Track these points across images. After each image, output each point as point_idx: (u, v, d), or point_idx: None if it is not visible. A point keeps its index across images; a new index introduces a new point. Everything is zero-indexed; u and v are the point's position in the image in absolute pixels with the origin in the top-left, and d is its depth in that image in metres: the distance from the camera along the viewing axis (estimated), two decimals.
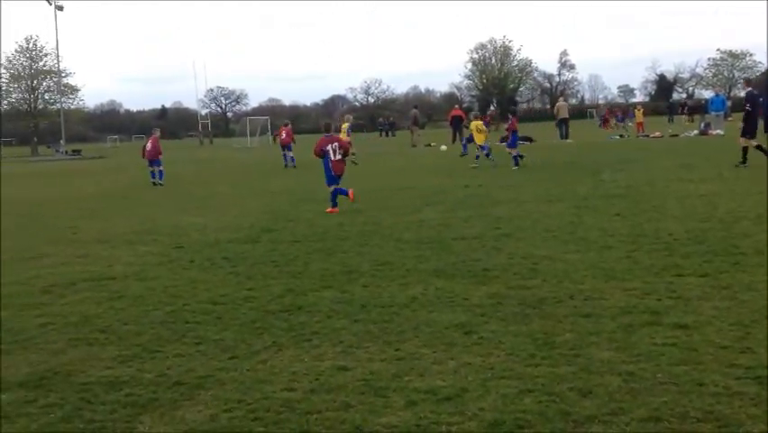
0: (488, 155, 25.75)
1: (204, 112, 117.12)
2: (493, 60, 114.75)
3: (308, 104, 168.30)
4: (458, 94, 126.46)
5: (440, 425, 4.82)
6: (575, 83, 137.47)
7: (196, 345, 6.86)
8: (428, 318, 7.28)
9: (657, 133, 43.85)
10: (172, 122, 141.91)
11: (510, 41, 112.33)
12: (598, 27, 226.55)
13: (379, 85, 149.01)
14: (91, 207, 19.27)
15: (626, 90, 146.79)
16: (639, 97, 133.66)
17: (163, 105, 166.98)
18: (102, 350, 6.83)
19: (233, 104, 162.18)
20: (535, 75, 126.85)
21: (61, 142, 72.00)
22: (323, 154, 16.46)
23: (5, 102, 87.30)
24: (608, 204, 14.40)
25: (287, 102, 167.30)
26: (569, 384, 5.39)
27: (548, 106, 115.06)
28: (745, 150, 20.55)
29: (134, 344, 6.96)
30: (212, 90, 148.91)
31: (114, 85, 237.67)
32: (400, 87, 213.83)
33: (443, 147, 39.42)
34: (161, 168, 27.18)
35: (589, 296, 7.81)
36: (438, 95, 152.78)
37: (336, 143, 16.66)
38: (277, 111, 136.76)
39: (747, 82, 25.74)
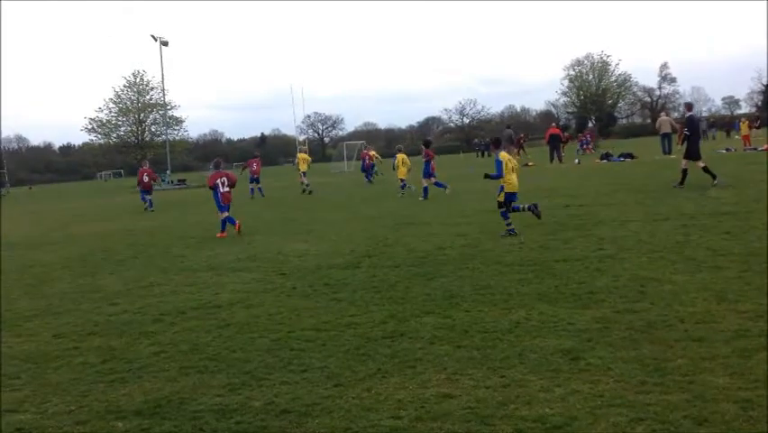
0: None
1: (302, 138, 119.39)
2: (590, 77, 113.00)
3: (403, 126, 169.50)
4: (554, 111, 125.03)
5: None
6: (676, 96, 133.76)
7: (301, 372, 6.97)
8: (533, 344, 7.18)
9: (766, 146, 42.10)
10: (271, 148, 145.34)
11: (608, 57, 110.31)
12: (700, 37, 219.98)
13: (474, 105, 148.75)
14: (197, 235, 19.86)
15: (731, 102, 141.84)
16: (745, 108, 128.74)
17: (262, 133, 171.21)
18: (212, 378, 7.02)
19: (330, 129, 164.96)
20: (635, 90, 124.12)
21: (167, 172, 74.63)
22: (214, 187, 19.81)
23: (114, 135, 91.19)
24: (717, 222, 13.89)
25: (382, 126, 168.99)
26: (683, 412, 5.22)
27: (648, 121, 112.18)
28: None
29: (243, 371, 7.12)
30: (309, 116, 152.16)
31: (215, 114, 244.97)
32: (495, 107, 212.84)
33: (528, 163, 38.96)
34: (260, 186, 35.89)
35: (701, 319, 7.55)
36: (534, 113, 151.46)
37: (225, 177, 19.92)
38: (372, 135, 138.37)
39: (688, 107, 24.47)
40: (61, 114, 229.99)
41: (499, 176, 15.33)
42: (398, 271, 11.84)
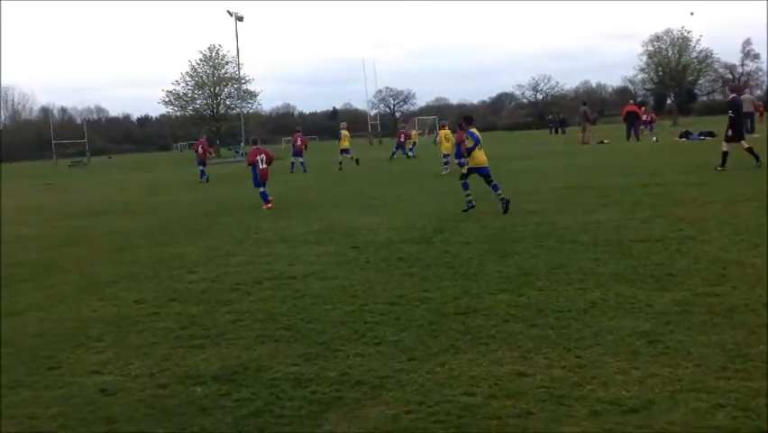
0: None
1: (373, 112, 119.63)
2: (670, 52, 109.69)
3: (475, 102, 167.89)
4: (632, 88, 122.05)
5: None
6: (759, 73, 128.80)
7: (375, 345, 7.03)
8: (609, 325, 7.08)
9: None
10: (343, 121, 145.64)
11: (689, 32, 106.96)
12: None
13: (548, 81, 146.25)
14: (273, 207, 20.12)
15: None
16: None
17: (334, 107, 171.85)
18: (288, 347, 7.13)
19: (401, 104, 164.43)
20: (716, 66, 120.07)
21: (241, 144, 75.64)
22: (253, 163, 20.74)
23: (190, 108, 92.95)
24: None
25: (454, 101, 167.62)
26: (765, 400, 5.09)
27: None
28: None
29: (317, 342, 7.22)
30: (380, 91, 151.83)
31: (288, 87, 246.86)
32: (570, 83, 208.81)
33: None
34: (302, 160, 36.85)
35: None
36: (610, 89, 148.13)
37: (263, 154, 20.76)
38: (444, 110, 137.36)
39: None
40: (140, 87, 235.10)
41: (475, 146, 16.60)
42: (471, 247, 11.80)
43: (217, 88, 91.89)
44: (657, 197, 16.08)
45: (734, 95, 23.68)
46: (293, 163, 37.81)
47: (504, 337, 6.98)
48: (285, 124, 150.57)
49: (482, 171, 16.41)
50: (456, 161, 26.61)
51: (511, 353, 6.53)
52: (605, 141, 43.74)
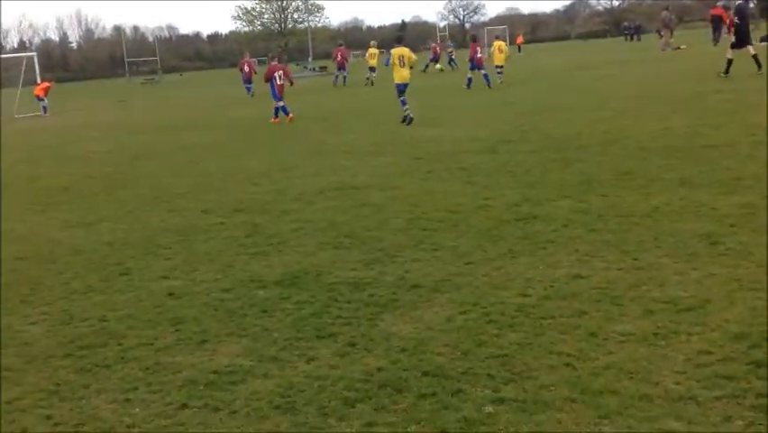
0: None
1: (442, 24, 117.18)
2: None
3: (548, 11, 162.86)
4: None
5: (679, 334, 4.68)
6: None
7: (433, 250, 7.10)
8: (671, 228, 6.99)
9: None
10: (411, 35, 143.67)
11: None
12: None
13: None
14: (335, 120, 20.19)
15: None
16: None
17: (403, 20, 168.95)
18: (347, 253, 7.27)
19: (471, 14, 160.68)
20: None
21: (309, 59, 75.52)
22: (270, 79, 21.46)
23: (258, 23, 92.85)
24: None
25: (525, 10, 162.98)
26: None
27: None
28: None
29: (376, 248, 7.33)
30: (450, 2, 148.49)
31: (355, 2, 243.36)
32: None
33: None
34: (345, 74, 37.89)
35: None
36: None
37: (281, 71, 21.66)
38: (515, 20, 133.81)
39: None
40: (209, 3, 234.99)
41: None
42: (535, 156, 11.67)
43: (284, 2, 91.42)
44: (730, 102, 15.52)
45: (740, 1, 22.66)
46: (336, 76, 38.69)
47: (562, 242, 6.96)
48: (353, 38, 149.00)
49: (401, 88, 18.39)
50: (470, 73, 28.26)
51: (568, 256, 6.52)
52: (682, 47, 42.12)
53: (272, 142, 16.59)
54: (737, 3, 22.87)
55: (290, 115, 21.00)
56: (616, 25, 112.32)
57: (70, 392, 4.68)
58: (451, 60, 46.95)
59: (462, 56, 41.25)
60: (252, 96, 34.14)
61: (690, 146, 11.10)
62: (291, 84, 22.10)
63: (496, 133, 14.60)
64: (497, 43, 30.45)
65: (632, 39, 75.17)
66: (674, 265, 5.98)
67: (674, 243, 6.56)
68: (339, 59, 38.38)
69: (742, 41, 21.41)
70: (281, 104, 21.22)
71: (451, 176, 10.73)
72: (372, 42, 40.31)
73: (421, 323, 5.33)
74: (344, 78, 38.14)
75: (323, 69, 72.21)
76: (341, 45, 40.39)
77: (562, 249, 6.74)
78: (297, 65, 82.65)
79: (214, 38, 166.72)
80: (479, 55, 28.35)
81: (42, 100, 34.06)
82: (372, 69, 37.23)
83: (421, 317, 5.44)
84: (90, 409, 4.42)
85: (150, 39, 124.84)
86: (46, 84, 35.14)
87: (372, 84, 35.62)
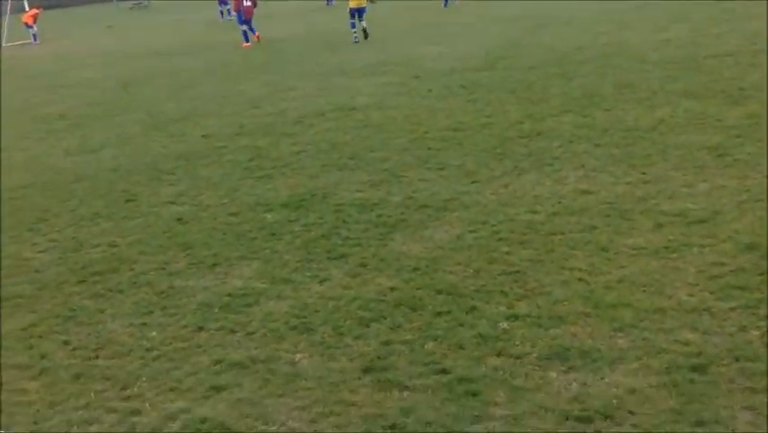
0: None
1: None
2: None
3: None
4: None
5: (690, 247, 4.70)
6: None
7: (438, 170, 7.07)
8: (677, 141, 6.96)
9: None
10: None
11: None
12: None
13: None
14: (328, 42, 19.86)
15: None
16: None
17: None
18: (352, 174, 7.24)
19: None
20: None
21: None
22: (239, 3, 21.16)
23: None
24: None
25: None
26: None
27: None
28: None
29: (381, 169, 7.30)
30: None
31: None
32: None
33: None
34: None
35: None
36: None
37: None
38: None
39: None
40: None
41: None
42: (535, 71, 11.52)
43: None
44: (730, 12, 15.24)
45: None
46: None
47: (568, 158, 6.94)
48: None
49: (359, 11, 18.92)
50: None
51: (575, 172, 6.51)
52: None
53: (267, 64, 16.34)
54: None
55: (257, 33, 21.09)
56: None
57: (86, 317, 4.72)
58: None
59: None
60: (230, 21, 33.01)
61: (692, 56, 10.96)
62: (255, 5, 21.64)
63: (494, 49, 14.37)
64: None
65: None
66: (682, 178, 5.98)
67: (681, 155, 6.54)
68: None
69: None
70: (244, 28, 21.14)
71: (451, 94, 10.61)
72: None
73: (431, 242, 5.35)
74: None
75: None
76: None
77: (569, 165, 6.72)
78: None
79: None
80: None
81: (32, 27, 33.37)
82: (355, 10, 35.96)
83: (431, 237, 5.45)
84: (107, 334, 4.47)
85: None
86: (34, 11, 34.36)
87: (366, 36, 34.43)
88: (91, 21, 51.56)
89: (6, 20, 34.57)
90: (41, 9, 36.90)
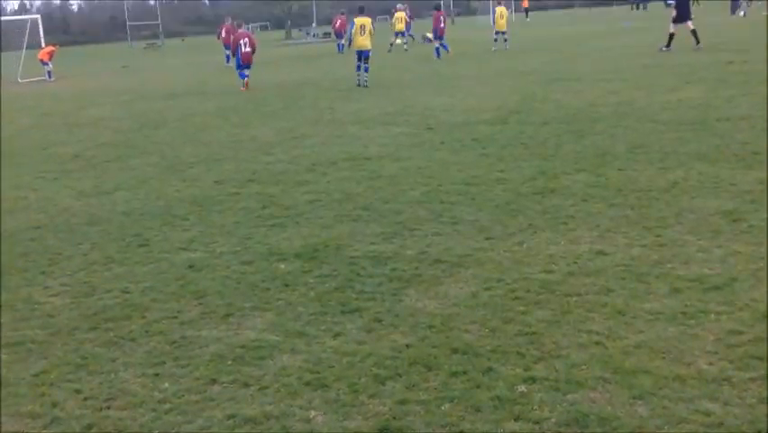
0: None
1: None
2: None
3: None
4: None
5: (708, 314, 4.68)
6: None
7: (452, 224, 7.08)
8: (691, 204, 6.97)
9: None
10: (414, 7, 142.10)
11: None
12: None
13: None
14: (343, 88, 20.06)
15: None
16: None
17: None
18: (366, 226, 7.25)
19: None
20: None
21: (312, 25, 74.80)
22: (236, 48, 21.79)
23: None
24: None
25: None
26: None
27: None
28: None
29: (395, 221, 7.31)
30: None
31: None
32: None
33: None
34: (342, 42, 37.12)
35: None
36: None
37: (246, 38, 21.73)
38: None
39: None
40: None
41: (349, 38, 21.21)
42: (548, 127, 11.61)
43: None
44: (743, 74, 15.42)
45: None
46: (340, 45, 38.27)
47: (582, 217, 6.94)
48: (356, 4, 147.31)
49: (365, 54, 20.10)
50: (436, 42, 29.04)
51: (590, 232, 6.50)
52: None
53: (281, 110, 16.49)
54: None
55: (246, 80, 21.57)
56: None
57: (98, 366, 4.68)
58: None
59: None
60: (228, 66, 33.10)
61: (704, 118, 11.05)
62: (253, 52, 21.94)
63: (507, 103, 14.52)
64: (499, 9, 30.84)
65: (638, 8, 74.60)
66: (698, 242, 5.97)
67: (696, 219, 6.54)
68: (338, 25, 38.92)
69: (682, 16, 22.30)
70: (244, 72, 21.71)
71: (463, 147, 10.68)
72: (399, 6, 38.59)
73: (446, 299, 5.33)
74: (343, 45, 37.67)
75: (326, 35, 71.76)
76: (342, 13, 40.75)
77: (583, 224, 6.72)
78: (300, 31, 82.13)
79: (216, 2, 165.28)
80: (441, 25, 29.01)
81: (47, 64, 33.80)
82: (399, 33, 35.65)
83: (446, 293, 5.43)
84: (119, 384, 4.43)
85: (152, 2, 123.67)
86: (51, 48, 34.83)
87: (406, 50, 34.55)
88: (106, 59, 52.23)
89: (23, 56, 35.01)
90: (58, 46, 37.36)
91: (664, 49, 22.27)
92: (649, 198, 7.31)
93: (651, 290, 5.14)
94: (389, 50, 34.09)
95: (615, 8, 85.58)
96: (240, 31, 22.93)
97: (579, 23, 49.49)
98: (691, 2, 23.14)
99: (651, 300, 4.96)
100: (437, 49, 28.75)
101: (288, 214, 7.91)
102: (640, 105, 12.77)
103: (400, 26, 35.74)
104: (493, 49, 29.24)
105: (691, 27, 22.07)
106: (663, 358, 4.18)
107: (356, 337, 4.81)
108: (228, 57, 33.68)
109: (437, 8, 30.86)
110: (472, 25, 63.52)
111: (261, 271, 6.20)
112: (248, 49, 21.60)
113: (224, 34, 34.80)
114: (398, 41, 35.25)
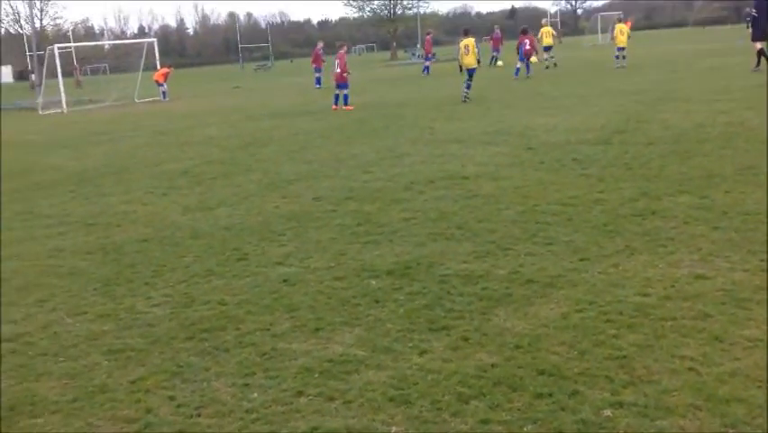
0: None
1: (553, 10, 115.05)
2: None
3: None
4: None
5: None
6: None
7: (546, 244, 6.98)
8: None
9: None
10: (522, 21, 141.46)
11: None
12: None
13: None
14: (445, 108, 20.12)
15: None
16: None
17: (513, 6, 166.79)
18: (458, 245, 7.23)
19: (583, 0, 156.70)
20: None
21: (417, 45, 75.40)
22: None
23: (368, 8, 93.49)
24: None
25: None
26: None
27: None
28: None
29: (488, 240, 7.27)
30: None
31: None
32: None
33: None
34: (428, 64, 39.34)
35: None
36: None
37: (337, 60, 23.28)
38: (630, 6, 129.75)
39: None
40: None
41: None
42: (653, 148, 11.31)
43: None
44: None
45: None
46: (425, 67, 39.32)
47: (683, 240, 6.73)
48: (462, 24, 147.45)
49: (470, 72, 21.54)
50: (520, 63, 29.95)
51: (690, 255, 6.30)
52: None
53: (384, 129, 16.68)
54: None
55: (340, 105, 22.78)
56: (737, 11, 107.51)
57: (192, 374, 4.84)
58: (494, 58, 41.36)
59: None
60: (319, 88, 33.59)
61: None
62: (344, 71, 23.01)
63: (611, 123, 14.24)
64: (618, 26, 32.10)
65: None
66: None
67: None
68: (427, 47, 40.37)
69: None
70: (337, 92, 22.96)
71: (563, 167, 10.53)
72: (544, 21, 38.35)
73: (535, 319, 5.26)
74: (428, 67, 39.31)
75: (432, 55, 72.20)
76: (428, 34, 42.28)
77: (683, 247, 6.52)
78: (406, 52, 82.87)
79: (323, 24, 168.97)
80: (526, 47, 29.96)
81: (162, 85, 35.30)
82: (547, 48, 34.48)
83: (536, 313, 5.36)
84: (211, 392, 4.56)
85: (263, 25, 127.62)
86: (165, 70, 36.38)
87: (555, 65, 33.98)
88: (219, 80, 54.10)
89: (139, 77, 36.66)
90: (173, 68, 38.98)
91: (755, 69, 21.78)
92: (755, 222, 7.02)
93: (751, 316, 4.93)
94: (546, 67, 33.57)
95: (728, 27, 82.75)
96: (339, 52, 23.93)
97: (691, 42, 48.08)
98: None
99: (750, 327, 4.76)
100: (517, 69, 29.96)
101: (382, 231, 7.98)
102: (750, 126, 12.29)
103: (548, 40, 34.73)
104: (615, 66, 29.64)
105: (759, 47, 21.81)
106: (759, 387, 4.00)
107: (442, 355, 4.80)
108: (318, 80, 34.40)
109: (523, 32, 31.26)
110: (578, 44, 62.63)
111: (353, 287, 6.27)
112: (337, 69, 22.88)
113: (313, 58, 35.48)
114: (546, 56, 34.58)
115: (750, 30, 22.87)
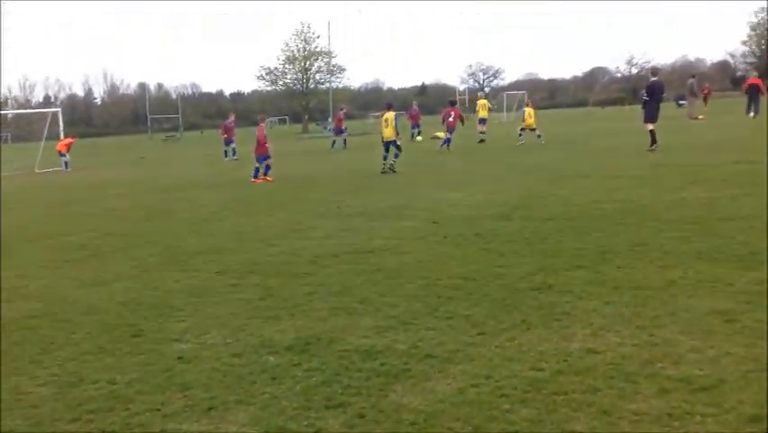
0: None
1: (462, 87, 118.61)
2: None
3: (567, 77, 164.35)
4: (732, 62, 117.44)
5: (693, 415, 4.58)
6: None
7: (447, 318, 7.04)
8: (686, 304, 6.91)
9: None
10: (431, 97, 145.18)
11: None
12: None
13: (644, 55, 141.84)
14: (353, 182, 20.31)
15: None
16: None
17: (423, 82, 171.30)
18: (360, 319, 7.22)
19: (491, 78, 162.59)
20: None
21: (329, 120, 76.38)
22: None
23: (281, 83, 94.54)
24: None
25: (545, 76, 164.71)
26: None
27: None
28: None
29: (389, 315, 7.28)
30: (471, 66, 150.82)
31: (377, 64, 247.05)
32: (664, 57, 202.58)
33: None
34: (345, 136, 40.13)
35: None
36: (709, 63, 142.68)
37: (258, 132, 23.52)
38: (534, 84, 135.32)
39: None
40: (233, 63, 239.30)
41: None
42: (551, 223, 11.65)
43: (307, 63, 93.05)
44: (747, 175, 15.46)
45: (654, 78, 24.58)
46: (333, 141, 40.70)
47: (577, 314, 6.89)
48: (373, 99, 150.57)
49: (386, 145, 22.85)
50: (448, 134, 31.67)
51: (583, 330, 6.44)
52: (699, 117, 42.21)
53: (290, 202, 16.69)
54: (652, 80, 24.56)
55: (258, 179, 22.91)
56: (634, 93, 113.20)
57: None
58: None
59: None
60: (237, 159, 33.87)
61: (707, 218, 11.04)
62: (259, 144, 23.41)
63: (513, 199, 14.63)
64: (528, 109, 33.68)
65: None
66: (690, 342, 5.89)
67: (690, 319, 6.47)
68: (337, 122, 41.31)
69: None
70: (258, 165, 23.14)
71: (465, 241, 10.71)
72: (480, 93, 40.76)
73: (432, 395, 5.26)
74: (344, 140, 40.05)
75: (344, 129, 73.08)
76: (342, 110, 43.34)
77: (577, 321, 6.67)
78: (318, 125, 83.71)
79: (236, 96, 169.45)
80: (450, 119, 31.75)
81: (64, 156, 34.55)
82: (482, 120, 37.21)
83: (432, 389, 5.36)
84: None
85: (174, 96, 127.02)
86: (69, 140, 35.69)
87: (483, 141, 35.77)
88: (125, 151, 53.29)
89: (41, 147, 35.81)
90: (76, 138, 38.28)
91: (651, 149, 22.99)
92: (645, 297, 7.25)
93: (638, 390, 5.05)
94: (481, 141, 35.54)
95: (627, 108, 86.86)
96: (260, 125, 24.45)
97: (591, 121, 50.18)
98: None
99: (638, 401, 4.87)
100: (446, 140, 31.43)
101: (284, 305, 7.90)
102: (643, 204, 12.81)
103: (483, 113, 37.61)
104: (517, 143, 31.57)
105: (650, 128, 23.38)
106: None
107: None
108: (226, 152, 34.90)
109: (451, 103, 33.18)
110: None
111: (250, 364, 6.16)
112: (258, 142, 23.23)
113: (223, 130, 36.25)
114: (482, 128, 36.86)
115: (643, 111, 24.15)
